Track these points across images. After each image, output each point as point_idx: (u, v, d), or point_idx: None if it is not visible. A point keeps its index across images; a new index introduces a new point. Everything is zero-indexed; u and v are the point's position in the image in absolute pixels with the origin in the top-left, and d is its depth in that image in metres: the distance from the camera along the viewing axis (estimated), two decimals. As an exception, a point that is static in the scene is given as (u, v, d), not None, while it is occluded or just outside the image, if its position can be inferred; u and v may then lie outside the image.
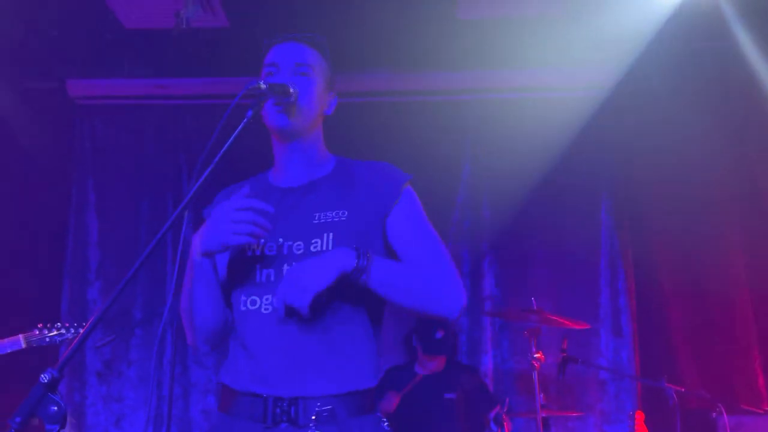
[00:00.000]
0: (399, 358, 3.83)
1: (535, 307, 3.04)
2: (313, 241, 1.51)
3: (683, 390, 3.09)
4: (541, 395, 3.01)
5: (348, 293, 1.49)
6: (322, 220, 1.54)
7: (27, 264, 3.91)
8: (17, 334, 2.88)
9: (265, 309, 1.50)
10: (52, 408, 1.15)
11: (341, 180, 1.61)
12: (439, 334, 3.52)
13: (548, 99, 4.16)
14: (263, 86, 1.40)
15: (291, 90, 1.50)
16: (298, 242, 1.52)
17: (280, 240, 1.53)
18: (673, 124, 4.01)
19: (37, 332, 2.83)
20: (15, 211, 3.88)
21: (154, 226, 4.05)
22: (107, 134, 4.27)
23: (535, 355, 2.96)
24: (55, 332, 2.83)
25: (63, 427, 1.16)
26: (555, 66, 4.10)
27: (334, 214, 1.54)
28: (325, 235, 1.52)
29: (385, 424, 1.53)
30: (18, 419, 1.12)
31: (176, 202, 4.00)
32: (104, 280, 4.07)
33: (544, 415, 3.06)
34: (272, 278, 1.51)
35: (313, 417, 1.44)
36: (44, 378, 1.16)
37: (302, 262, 1.42)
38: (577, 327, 3.21)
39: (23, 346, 2.80)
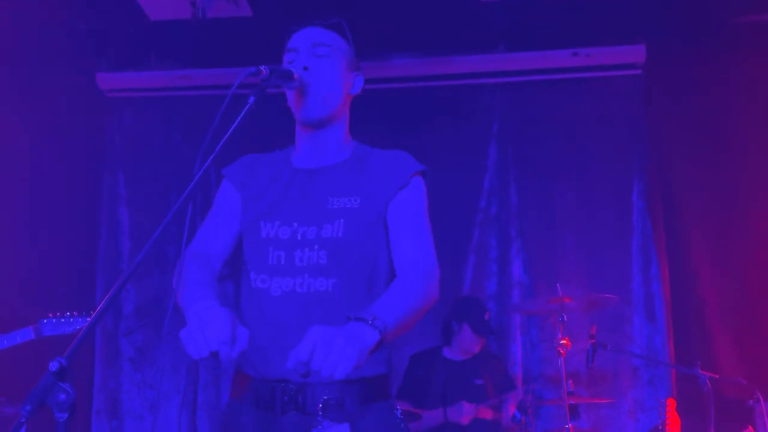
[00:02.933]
0: (427, 343, 3.81)
1: (560, 294, 2.98)
2: (325, 226, 1.53)
3: (717, 377, 3.01)
4: (570, 382, 2.97)
5: (355, 278, 1.49)
6: (336, 206, 1.54)
7: (61, 256, 4.00)
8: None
9: (275, 291, 1.51)
10: (62, 396, 1.16)
11: (357, 166, 1.61)
12: (486, 316, 3.55)
13: (576, 81, 4.06)
14: (264, 71, 1.39)
15: (295, 75, 1.49)
16: (312, 227, 1.53)
17: (295, 225, 1.55)
18: (707, 103, 3.88)
19: (46, 321, 2.88)
20: (48, 204, 3.97)
21: (183, 216, 4.10)
22: (137, 126, 4.34)
23: (561, 342, 2.91)
24: (63, 320, 2.88)
25: (72, 415, 1.18)
26: (583, 47, 4.00)
27: (347, 200, 1.55)
28: (337, 221, 1.53)
29: (398, 411, 1.52)
30: (28, 407, 1.13)
31: (203, 193, 4.04)
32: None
33: (572, 402, 3.01)
34: (282, 261, 1.53)
35: (320, 405, 1.43)
36: (53, 366, 1.17)
37: (327, 336, 1.21)
38: (602, 301, 3.15)
39: (34, 336, 2.87)
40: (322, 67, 1.56)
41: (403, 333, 1.40)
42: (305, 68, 1.53)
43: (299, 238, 1.53)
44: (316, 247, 1.51)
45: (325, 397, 1.44)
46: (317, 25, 1.60)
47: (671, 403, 2.88)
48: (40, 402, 1.15)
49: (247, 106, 1.35)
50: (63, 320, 2.90)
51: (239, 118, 1.33)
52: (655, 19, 3.90)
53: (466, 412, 3.30)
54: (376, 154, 1.65)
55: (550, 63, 4.08)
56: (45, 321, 2.90)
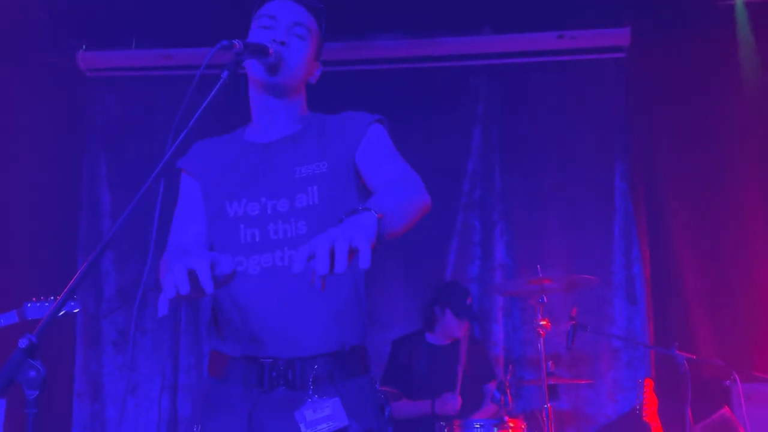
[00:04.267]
0: (410, 327, 3.83)
1: (540, 275, 3.00)
2: (297, 196, 1.50)
3: (695, 358, 3.04)
4: (549, 363, 2.99)
5: None
6: (304, 174, 1.52)
7: (42, 238, 3.96)
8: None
9: (253, 270, 1.49)
10: (31, 373, 1.15)
11: (317, 132, 1.59)
12: (469, 301, 3.55)
13: (561, 63, 4.06)
14: (237, 45, 1.37)
15: (271, 51, 1.47)
16: (282, 200, 1.51)
17: (263, 199, 1.52)
18: (691, 86, 3.89)
19: (30, 305, 2.87)
20: (29, 185, 3.92)
21: (165, 197, 4.06)
22: (118, 106, 4.28)
23: (541, 323, 2.93)
24: (47, 304, 2.87)
25: (43, 392, 1.17)
26: (568, 30, 3.99)
27: (314, 166, 1.53)
28: (309, 188, 1.51)
29: (377, 385, 1.54)
30: (-3, 384, 1.13)
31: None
32: (117, 251, 4.11)
33: (552, 382, 3.04)
34: (257, 239, 1.50)
35: (311, 380, 1.43)
36: (23, 343, 1.16)
37: (336, 228, 1.16)
38: (583, 282, 3.17)
39: (18, 319, 2.85)
40: (298, 49, 1.54)
41: (397, 231, 1.31)
42: (283, 43, 1.51)
43: (270, 212, 1.50)
44: (291, 219, 1.49)
45: (315, 372, 1.44)
46: (300, 2, 1.58)
47: (649, 384, 2.91)
48: (9, 379, 1.14)
49: (221, 81, 1.34)
50: (47, 304, 2.89)
51: (212, 93, 1.32)
52: (639, 3, 3.90)
53: (451, 406, 3.31)
54: (332, 118, 1.63)
55: (535, 45, 4.08)
56: (29, 305, 2.89)
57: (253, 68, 1.54)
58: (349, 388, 1.47)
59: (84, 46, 4.19)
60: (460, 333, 3.55)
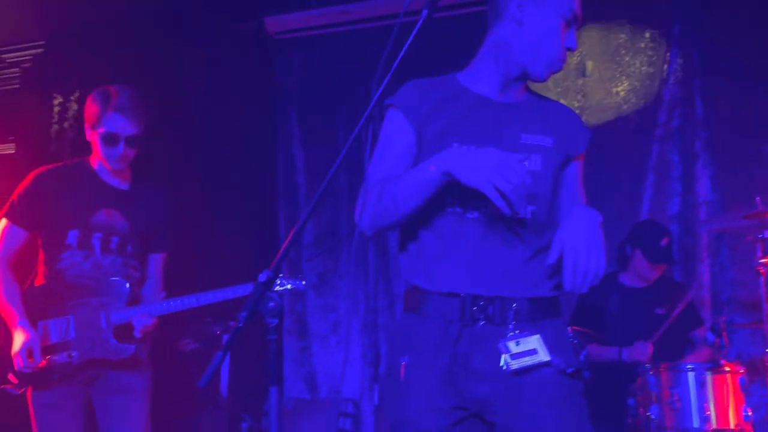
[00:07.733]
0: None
1: (759, 208, 2.70)
2: (519, 158, 1.53)
3: None
4: (769, 304, 2.71)
5: (546, 209, 1.62)
6: (529, 142, 1.61)
7: (246, 196, 4.34)
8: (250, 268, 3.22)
9: (470, 214, 1.56)
10: (271, 303, 1.29)
11: (540, 109, 1.69)
12: (664, 242, 3.32)
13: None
14: None
15: None
16: None
17: None
18: None
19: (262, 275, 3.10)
20: (230, 150, 4.28)
21: (350, 149, 4.25)
22: (304, 66, 4.51)
23: (761, 261, 2.65)
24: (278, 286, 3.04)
25: (281, 320, 1.30)
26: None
27: (540, 138, 1.63)
28: (534, 156, 1.60)
29: (569, 329, 1.60)
30: (244, 314, 1.27)
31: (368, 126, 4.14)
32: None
33: (773, 326, 2.76)
34: None
35: (512, 314, 1.52)
36: (262, 277, 1.30)
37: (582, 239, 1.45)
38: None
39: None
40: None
41: None
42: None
43: None
44: None
45: (515, 308, 1.53)
46: None
47: None
48: (253, 309, 1.29)
49: (421, 20, 1.34)
50: (277, 281, 3.12)
51: (413, 32, 1.32)
52: None
53: (641, 353, 3.12)
54: (551, 102, 1.74)
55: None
56: (262, 275, 3.15)
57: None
58: (546, 327, 1.55)
59: (270, 11, 4.44)
60: (653, 275, 3.34)
